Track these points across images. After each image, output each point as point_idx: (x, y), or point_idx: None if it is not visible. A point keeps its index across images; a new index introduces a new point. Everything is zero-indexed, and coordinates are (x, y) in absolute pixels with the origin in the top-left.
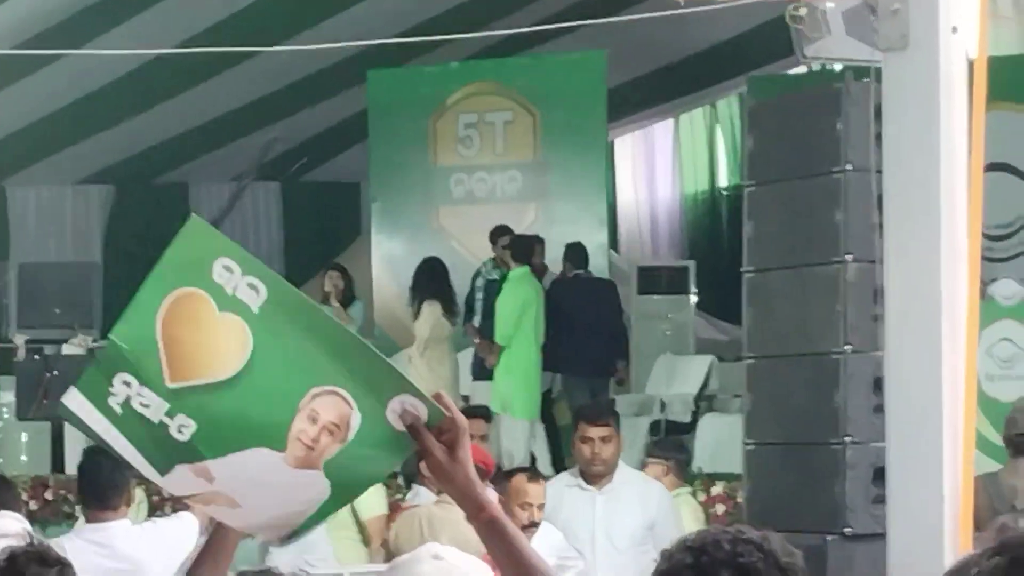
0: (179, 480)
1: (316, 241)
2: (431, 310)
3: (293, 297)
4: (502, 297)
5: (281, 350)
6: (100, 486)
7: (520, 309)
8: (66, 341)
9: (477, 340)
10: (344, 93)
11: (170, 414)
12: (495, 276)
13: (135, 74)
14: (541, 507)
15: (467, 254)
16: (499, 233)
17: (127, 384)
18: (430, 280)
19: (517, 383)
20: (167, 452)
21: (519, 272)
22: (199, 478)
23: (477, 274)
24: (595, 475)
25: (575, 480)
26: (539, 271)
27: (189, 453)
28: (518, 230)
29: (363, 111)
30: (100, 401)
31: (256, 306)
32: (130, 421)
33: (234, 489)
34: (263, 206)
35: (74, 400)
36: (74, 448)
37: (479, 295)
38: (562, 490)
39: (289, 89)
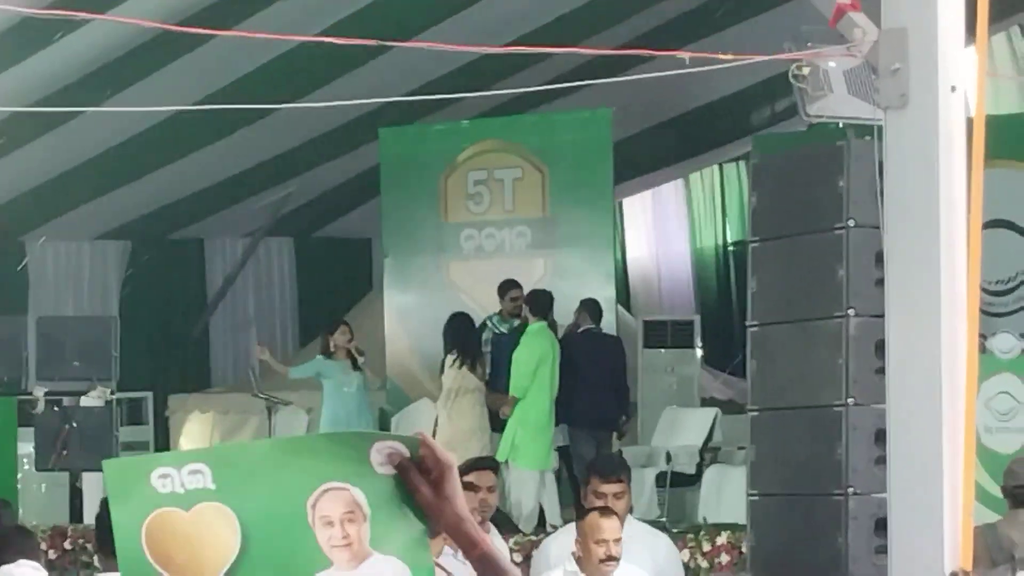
0: None
1: (329, 296)
2: (453, 363)
3: (229, 452)
4: (520, 350)
5: (257, 497)
6: None
7: (537, 362)
8: (84, 393)
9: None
10: (357, 151)
11: None
12: (503, 329)
13: (153, 131)
14: (618, 541)
15: (477, 308)
16: (507, 287)
17: None
18: (454, 335)
19: (528, 434)
20: None
21: (537, 326)
22: None
23: (483, 327)
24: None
25: (572, 565)
26: (551, 326)
27: None
28: (527, 284)
29: (375, 168)
30: None
31: (211, 483)
32: None
33: None
34: (276, 261)
35: None
36: (92, 498)
37: (487, 348)
38: (564, 556)
39: (303, 147)
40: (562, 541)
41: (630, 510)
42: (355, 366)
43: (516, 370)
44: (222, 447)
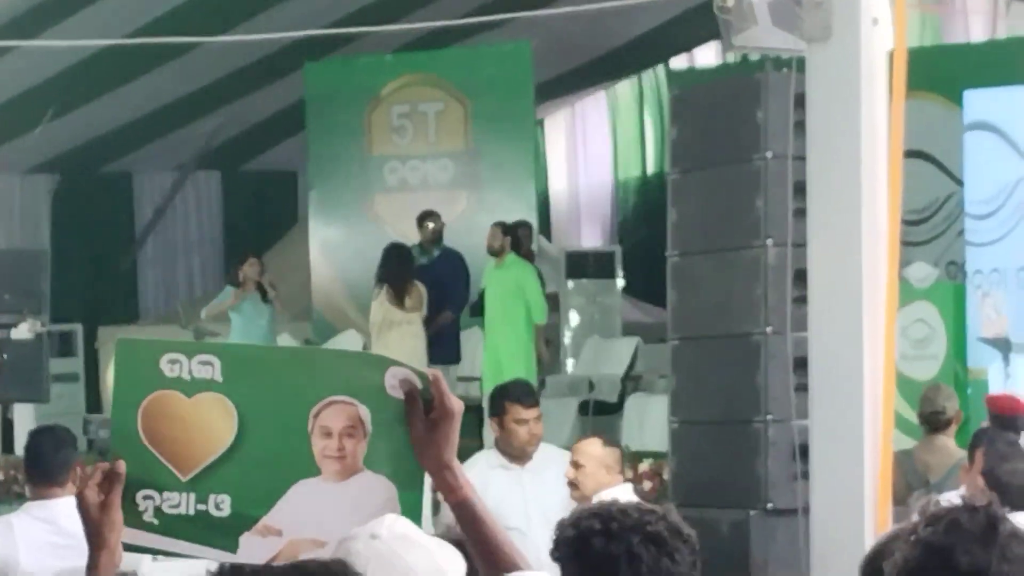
0: (252, 549)
1: (255, 228)
2: (378, 295)
3: (244, 351)
4: (528, 280)
5: (262, 397)
6: (46, 465)
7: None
8: (14, 326)
9: None
10: (281, 83)
11: (201, 501)
12: (422, 260)
13: (81, 66)
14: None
15: (400, 239)
16: (424, 217)
17: (150, 498)
18: (381, 267)
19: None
20: (222, 532)
21: (513, 256)
22: (268, 537)
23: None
24: (525, 455)
25: (498, 460)
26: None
27: (241, 521)
28: (450, 217)
29: (300, 101)
30: (135, 521)
31: (218, 375)
32: (173, 525)
33: (306, 528)
34: (204, 194)
35: (125, 533)
36: (22, 429)
37: None
38: (487, 472)
39: (229, 79)
40: (484, 454)
41: None
42: (264, 299)
43: (539, 298)
44: (238, 346)
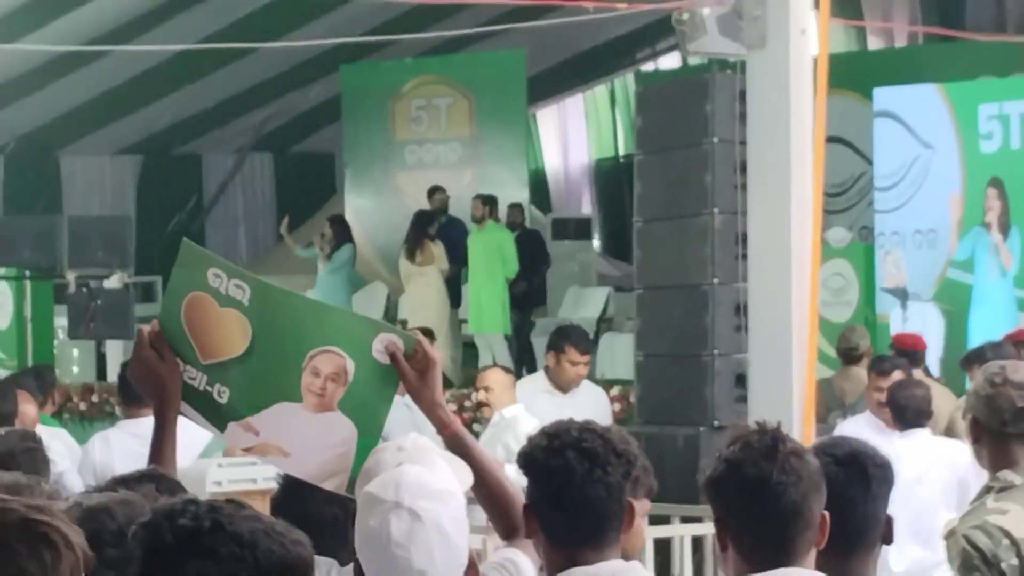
0: (235, 435)
1: (301, 198)
2: (401, 253)
3: (271, 290)
4: (505, 240)
5: (275, 328)
6: (135, 389)
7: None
8: (107, 277)
9: None
10: (321, 81)
11: (210, 384)
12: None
13: (161, 66)
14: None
15: (418, 208)
16: (433, 191)
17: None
18: (408, 231)
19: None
20: (218, 414)
21: (493, 222)
22: (248, 432)
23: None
24: (570, 388)
25: (546, 386)
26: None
27: (232, 412)
28: (458, 190)
29: (337, 96)
30: None
31: (246, 300)
32: (186, 391)
33: (278, 437)
34: (259, 171)
35: None
36: (114, 361)
37: None
38: (534, 394)
39: (279, 78)
40: (533, 379)
41: None
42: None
43: (511, 256)
44: (268, 286)
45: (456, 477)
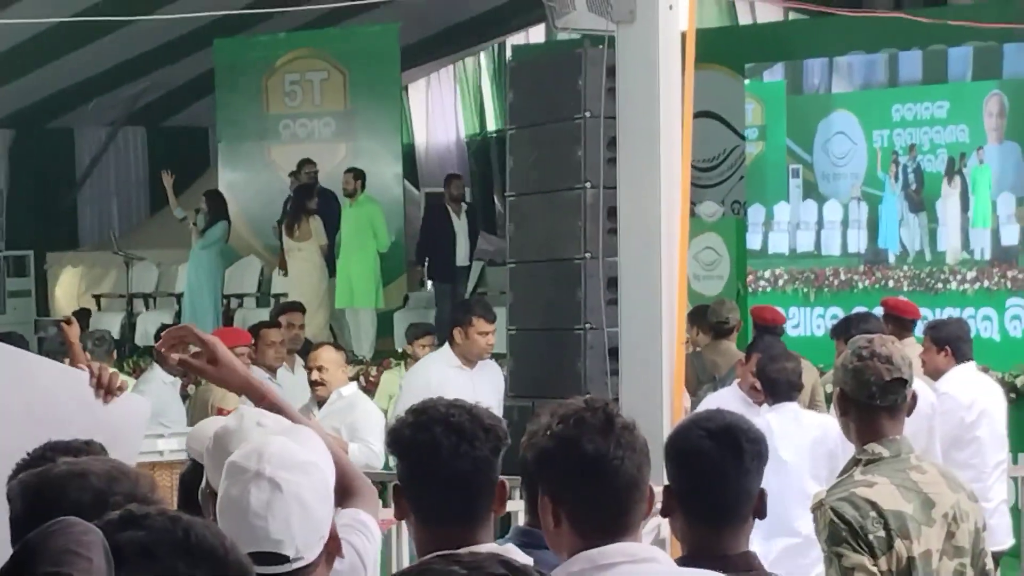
0: None
1: (175, 172)
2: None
3: None
4: (375, 213)
5: None
6: None
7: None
8: None
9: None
10: (196, 55)
11: None
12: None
13: (33, 39)
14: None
15: (293, 182)
16: (301, 164)
17: None
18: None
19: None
20: None
21: (366, 195)
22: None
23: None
24: (477, 360)
25: (455, 361)
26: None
27: None
28: (332, 164)
29: (211, 70)
30: None
31: None
32: None
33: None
34: (132, 145)
35: None
36: None
37: None
38: (446, 370)
39: (153, 52)
40: (439, 354)
41: None
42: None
43: (382, 230)
44: None
45: (303, 450)
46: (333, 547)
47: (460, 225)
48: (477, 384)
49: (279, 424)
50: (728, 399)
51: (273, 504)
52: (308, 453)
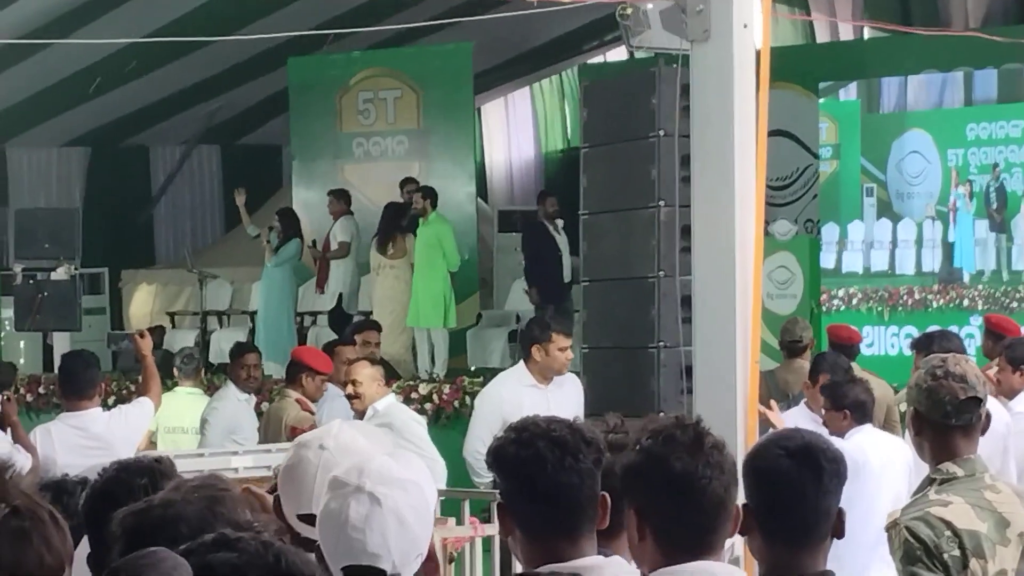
0: None
1: (249, 191)
2: (371, 244)
3: None
4: (444, 232)
5: None
6: (76, 382)
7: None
8: (54, 269)
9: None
10: (270, 75)
11: None
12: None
13: (109, 59)
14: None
15: (366, 201)
16: (405, 183)
17: None
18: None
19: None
20: None
21: (436, 214)
22: None
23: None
24: (551, 377)
25: (529, 379)
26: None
27: None
28: None
29: (284, 89)
30: None
31: None
32: None
33: None
34: (206, 163)
35: None
36: (60, 352)
37: None
38: (519, 389)
39: (228, 71)
40: (512, 373)
41: None
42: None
43: (451, 249)
44: None
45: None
46: (430, 569)
47: (562, 241)
48: (552, 402)
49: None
50: (797, 418)
51: (372, 518)
52: (409, 472)
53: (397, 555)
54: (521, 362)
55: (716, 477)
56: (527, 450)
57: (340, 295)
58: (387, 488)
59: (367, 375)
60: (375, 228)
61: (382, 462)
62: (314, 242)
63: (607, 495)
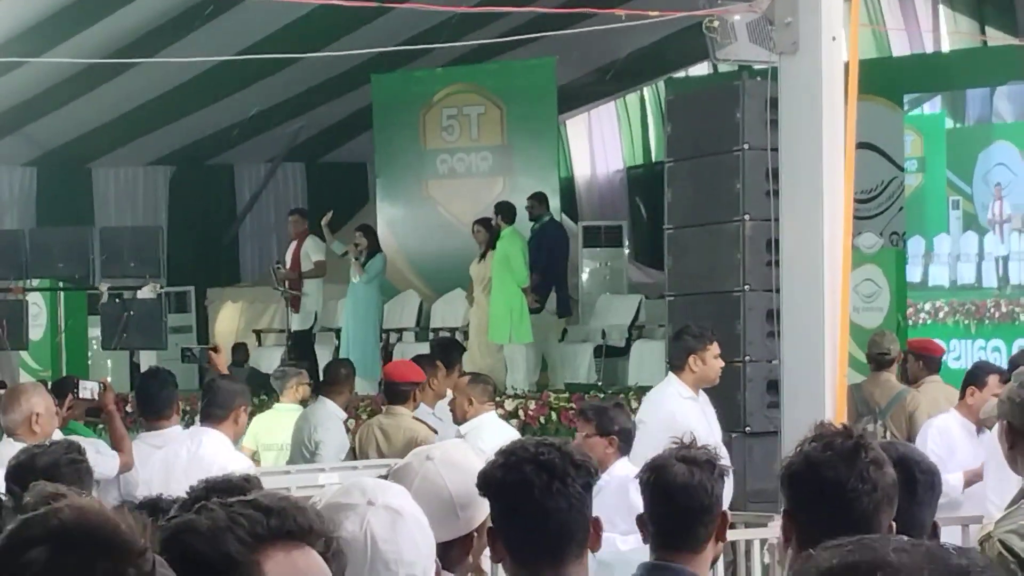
0: None
1: (334, 208)
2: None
3: None
4: (512, 249)
5: None
6: (153, 401)
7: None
8: (140, 288)
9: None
10: (353, 92)
11: None
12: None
13: (194, 80)
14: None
15: (451, 217)
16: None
17: None
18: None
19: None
20: None
21: (511, 229)
22: None
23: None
24: (704, 387)
25: (687, 391)
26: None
27: None
28: (489, 200)
29: (368, 106)
30: None
31: None
32: None
33: None
34: (291, 181)
35: None
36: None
37: None
38: (679, 401)
39: (312, 89)
40: (670, 385)
41: None
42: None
43: (518, 264)
44: None
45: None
46: (467, 544)
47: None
48: (707, 414)
49: (446, 462)
50: (951, 424)
51: (397, 528)
52: (397, 485)
53: (427, 561)
54: (671, 374)
55: (867, 493)
56: (513, 474)
57: (315, 314)
58: (396, 499)
59: (460, 390)
60: (462, 243)
61: (370, 479)
62: (278, 263)
63: (599, 518)
